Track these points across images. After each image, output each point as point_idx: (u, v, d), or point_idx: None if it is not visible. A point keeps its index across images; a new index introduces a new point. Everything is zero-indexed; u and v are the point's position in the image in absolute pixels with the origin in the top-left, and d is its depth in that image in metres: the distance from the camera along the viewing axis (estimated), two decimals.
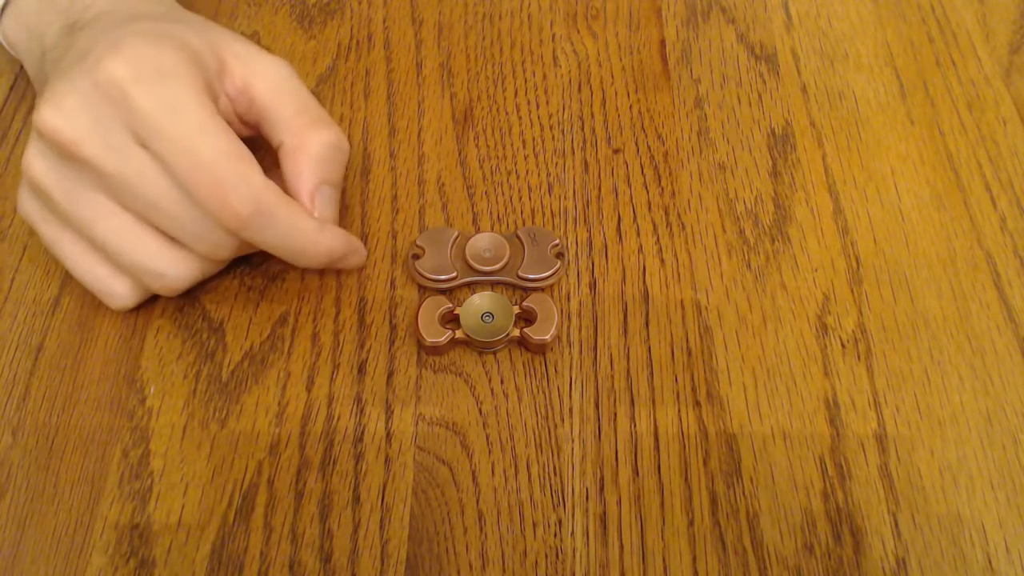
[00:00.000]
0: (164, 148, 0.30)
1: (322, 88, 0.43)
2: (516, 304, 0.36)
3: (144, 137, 0.30)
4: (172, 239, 0.32)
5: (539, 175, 0.40)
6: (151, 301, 0.36)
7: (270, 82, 0.34)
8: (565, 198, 0.40)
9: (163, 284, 0.33)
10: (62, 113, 0.30)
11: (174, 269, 0.33)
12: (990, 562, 0.31)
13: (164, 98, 0.30)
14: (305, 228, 0.32)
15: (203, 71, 0.32)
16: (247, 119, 0.34)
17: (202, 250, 0.33)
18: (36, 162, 0.31)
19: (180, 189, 0.31)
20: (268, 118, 0.34)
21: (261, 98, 0.33)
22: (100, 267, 0.34)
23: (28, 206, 0.33)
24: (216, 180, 0.30)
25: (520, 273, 0.36)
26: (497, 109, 0.42)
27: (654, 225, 0.39)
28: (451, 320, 0.36)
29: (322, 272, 0.37)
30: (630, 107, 0.43)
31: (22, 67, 0.43)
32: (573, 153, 0.41)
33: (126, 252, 0.32)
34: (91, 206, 0.32)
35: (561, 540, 0.31)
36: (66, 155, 0.30)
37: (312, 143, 0.33)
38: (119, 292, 0.34)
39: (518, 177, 0.40)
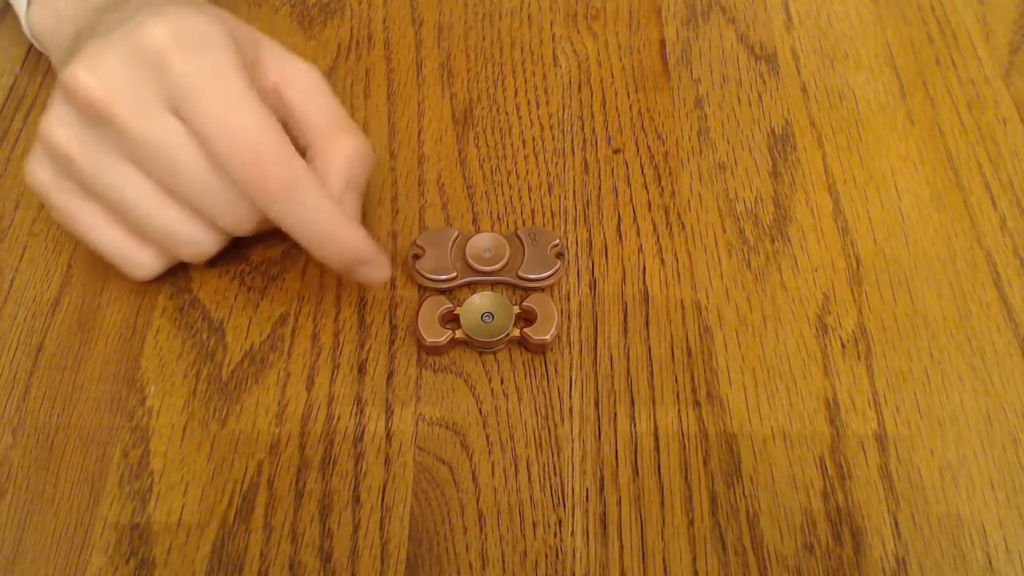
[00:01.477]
0: (200, 114, 0.29)
1: None
2: (516, 304, 0.36)
3: (179, 103, 0.30)
4: (194, 211, 0.32)
5: (539, 175, 0.40)
6: (151, 301, 0.36)
7: (304, 86, 0.34)
8: (565, 198, 0.40)
9: (192, 251, 0.33)
10: (96, 72, 0.29)
11: (201, 237, 0.33)
12: (990, 562, 0.31)
13: (204, 64, 0.30)
14: (333, 215, 0.31)
15: (241, 54, 0.31)
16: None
17: (224, 224, 0.32)
18: (58, 128, 0.31)
19: (209, 159, 0.30)
20: (298, 120, 0.34)
21: (294, 101, 0.33)
22: (122, 236, 0.33)
23: (41, 174, 0.32)
24: (253, 149, 0.29)
25: (520, 273, 0.36)
26: (497, 109, 0.42)
27: (654, 225, 0.39)
28: (451, 320, 0.36)
29: (322, 272, 0.37)
30: (630, 107, 0.43)
31: (22, 67, 0.43)
32: (573, 153, 0.41)
33: (153, 218, 0.32)
34: (117, 173, 0.31)
35: (561, 540, 0.31)
36: (94, 117, 0.30)
37: (342, 148, 0.33)
38: (143, 261, 0.34)
39: (518, 177, 0.40)
